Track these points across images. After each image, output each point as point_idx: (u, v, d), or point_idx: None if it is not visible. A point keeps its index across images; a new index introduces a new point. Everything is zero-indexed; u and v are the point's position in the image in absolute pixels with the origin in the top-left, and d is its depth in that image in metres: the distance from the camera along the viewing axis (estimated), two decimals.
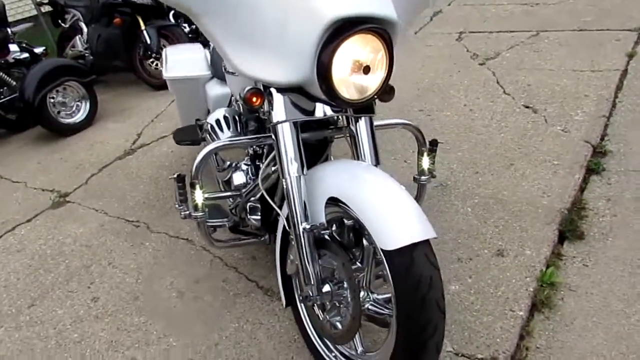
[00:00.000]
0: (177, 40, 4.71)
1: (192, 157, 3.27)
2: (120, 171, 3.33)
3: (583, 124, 2.77)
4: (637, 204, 2.14)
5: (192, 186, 1.59)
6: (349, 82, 1.32)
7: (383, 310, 1.40)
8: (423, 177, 1.78)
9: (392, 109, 3.18)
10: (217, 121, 1.89)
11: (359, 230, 1.48)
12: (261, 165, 1.98)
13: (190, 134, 2.39)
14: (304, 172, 1.41)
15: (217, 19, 1.32)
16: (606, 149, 2.52)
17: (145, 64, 4.80)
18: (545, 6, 4.90)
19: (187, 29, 5.18)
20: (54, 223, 2.85)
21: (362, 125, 1.52)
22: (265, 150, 1.94)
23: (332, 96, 1.32)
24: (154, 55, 4.69)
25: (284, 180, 1.41)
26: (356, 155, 1.56)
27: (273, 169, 1.70)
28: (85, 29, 5.09)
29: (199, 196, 1.60)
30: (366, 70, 1.31)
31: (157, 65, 4.78)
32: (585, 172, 2.39)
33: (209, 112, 2.64)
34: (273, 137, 1.43)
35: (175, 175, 1.65)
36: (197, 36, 5.23)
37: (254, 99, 1.38)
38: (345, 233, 1.52)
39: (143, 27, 4.60)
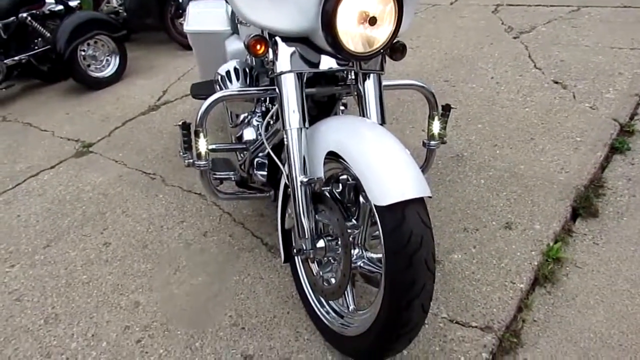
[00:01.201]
0: None
1: (213, 117, 3.31)
2: (143, 126, 3.38)
3: (613, 102, 2.65)
4: None
5: (196, 134, 1.60)
6: (354, 34, 1.29)
7: (375, 268, 1.39)
8: (433, 142, 1.75)
9: (415, 77, 3.11)
10: (227, 72, 1.88)
11: (357, 187, 1.47)
12: (271, 122, 1.98)
13: (207, 89, 2.39)
14: (306, 126, 1.40)
15: None
16: (634, 129, 2.41)
17: (176, 22, 4.82)
18: None
19: None
20: (75, 171, 2.93)
21: (370, 83, 1.49)
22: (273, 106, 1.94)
23: (337, 47, 1.29)
24: (184, 13, 4.69)
25: (284, 132, 1.40)
26: (362, 112, 1.53)
27: (275, 124, 1.70)
28: None
29: (202, 145, 1.60)
30: (372, 21, 1.27)
31: None
32: (608, 150, 2.30)
33: None
34: (276, 88, 1.42)
35: (180, 123, 1.66)
36: None
37: (258, 47, 1.37)
38: (345, 191, 1.52)
39: None
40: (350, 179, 1.47)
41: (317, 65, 1.41)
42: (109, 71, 4.26)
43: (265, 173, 1.88)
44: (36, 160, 3.14)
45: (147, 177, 2.73)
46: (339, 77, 1.60)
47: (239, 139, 2.17)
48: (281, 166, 1.55)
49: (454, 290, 1.69)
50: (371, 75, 1.49)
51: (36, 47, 4.27)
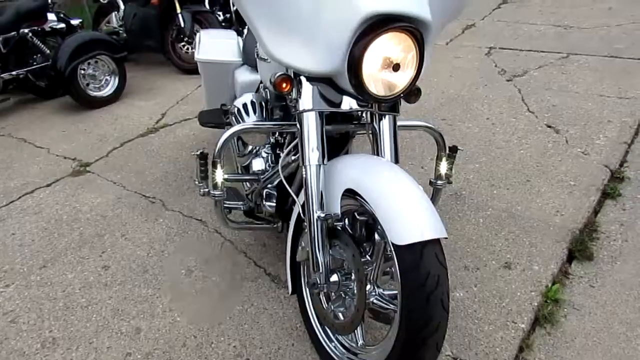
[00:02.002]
0: (210, 26, 4.77)
1: (214, 141, 3.34)
2: (142, 148, 3.39)
3: (604, 148, 2.76)
4: None
5: (214, 165, 1.63)
6: (377, 78, 1.34)
7: (388, 305, 1.42)
8: (440, 182, 1.80)
9: (414, 115, 3.20)
10: (244, 105, 1.93)
11: (371, 224, 1.51)
12: (281, 154, 2.02)
13: (215, 117, 2.43)
14: (324, 162, 1.44)
15: (256, 3, 1.35)
16: (624, 175, 2.51)
17: (176, 46, 4.88)
18: (578, 30, 4.87)
19: (221, 17, 5.25)
20: (72, 190, 2.91)
21: (386, 123, 1.54)
22: (287, 139, 1.98)
23: (360, 90, 1.34)
24: (186, 39, 4.77)
25: (303, 168, 1.44)
26: (376, 151, 1.58)
27: (293, 157, 1.74)
28: (122, 6, 5.19)
29: (219, 175, 1.63)
30: (396, 67, 1.33)
31: (188, 49, 4.85)
32: (601, 195, 2.38)
33: (235, 98, 2.69)
34: (297, 125, 1.46)
35: (198, 152, 1.69)
36: (229, 25, 5.30)
37: (284, 85, 1.42)
38: (357, 227, 1.55)
39: (179, 10, 4.68)
40: (364, 217, 1.51)
41: (338, 104, 1.46)
42: (107, 91, 4.28)
43: (274, 204, 1.91)
44: (31, 177, 3.12)
45: (147, 201, 2.73)
46: (354, 115, 1.66)
47: (246, 168, 2.21)
48: (295, 197, 1.59)
49: (457, 327, 1.73)
50: (387, 115, 1.55)
51: (35, 63, 4.28)
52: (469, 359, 1.62)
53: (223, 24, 5.20)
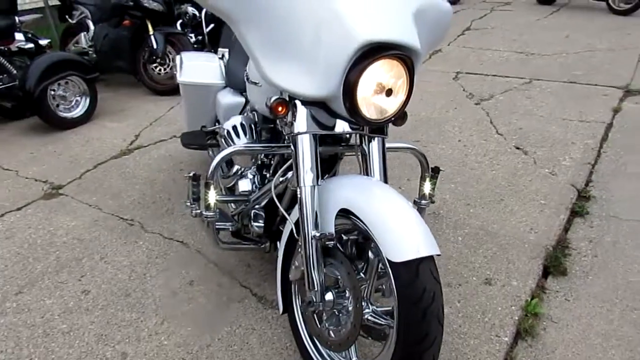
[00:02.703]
0: (183, 48, 4.78)
1: (190, 162, 3.34)
2: (116, 170, 3.35)
3: (570, 169, 2.91)
4: (615, 248, 2.26)
5: (207, 186, 1.64)
6: (370, 102, 1.40)
7: (382, 321, 1.45)
8: (423, 202, 1.87)
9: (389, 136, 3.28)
10: (234, 127, 1.96)
11: (362, 243, 1.56)
12: (267, 174, 2.06)
13: (198, 139, 2.45)
14: (318, 183, 1.48)
15: (254, 28, 1.40)
16: (590, 194, 2.66)
17: (148, 68, 4.86)
18: (539, 56, 5.14)
19: (193, 39, 5.27)
20: (45, 214, 2.84)
21: (375, 145, 1.61)
22: (274, 160, 2.02)
23: (354, 113, 1.40)
24: (158, 60, 4.76)
25: (298, 188, 1.48)
26: (366, 172, 1.63)
27: (281, 178, 1.77)
28: (92, 27, 5.14)
29: (212, 197, 1.65)
30: (388, 93, 1.40)
31: (160, 70, 4.85)
32: (570, 213, 2.51)
33: (216, 120, 2.71)
34: (292, 147, 1.50)
35: (190, 174, 1.70)
36: (202, 46, 5.33)
37: (280, 108, 1.46)
38: (349, 246, 1.60)
39: (151, 32, 4.67)
40: (355, 236, 1.55)
41: (331, 127, 1.52)
42: (78, 112, 4.21)
43: (262, 224, 1.93)
44: (0, 201, 3.03)
45: (125, 223, 2.70)
46: (343, 138, 1.72)
47: (231, 189, 2.22)
48: (287, 216, 1.62)
49: (444, 343, 1.77)
50: (376, 138, 1.61)
51: (1, 83, 4.17)
52: None
53: (195, 45, 5.23)
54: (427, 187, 1.87)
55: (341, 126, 1.52)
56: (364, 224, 1.38)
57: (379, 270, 1.49)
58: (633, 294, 1.98)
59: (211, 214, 1.68)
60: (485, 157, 3.12)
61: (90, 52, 5.16)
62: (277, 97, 1.46)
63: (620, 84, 4.22)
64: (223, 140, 1.96)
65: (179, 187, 3.04)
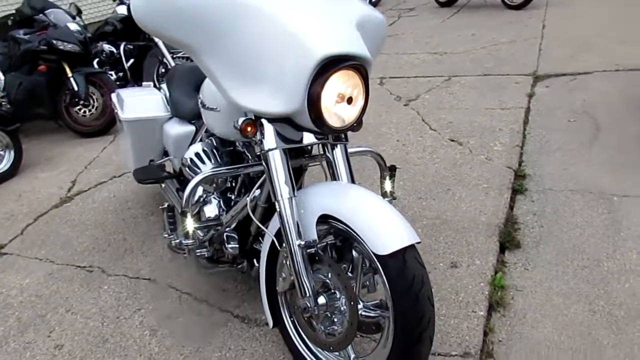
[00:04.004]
0: (106, 87, 4.68)
1: (136, 200, 3.28)
2: (59, 219, 3.21)
3: (502, 153, 3.17)
4: (557, 216, 2.50)
5: (184, 214, 1.66)
6: (332, 112, 1.50)
7: (375, 314, 1.54)
8: (386, 199, 1.98)
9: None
10: (197, 154, 1.98)
11: (341, 245, 1.64)
12: (232, 197, 2.09)
13: (152, 173, 2.43)
14: (295, 194, 1.55)
15: (216, 57, 1.46)
16: (525, 173, 2.91)
17: (71, 111, 4.69)
18: (452, 55, 5.51)
19: (114, 76, 5.16)
20: None
21: (338, 152, 1.71)
22: (236, 182, 2.06)
23: (319, 124, 1.48)
24: (81, 102, 4.61)
25: (276, 202, 1.54)
26: (333, 178, 1.73)
27: (253, 196, 1.82)
28: (1, 77, 4.88)
29: (190, 225, 1.67)
30: (349, 100, 1.50)
31: (85, 112, 4.69)
32: (511, 192, 2.74)
33: (164, 153, 2.70)
34: (264, 164, 1.57)
35: (165, 205, 1.71)
36: (124, 82, 5.23)
37: (249, 129, 1.51)
38: (328, 250, 1.67)
39: (70, 74, 4.53)
40: (334, 239, 1.63)
41: (297, 141, 1.60)
42: (3, 166, 3.97)
43: (236, 246, 1.96)
44: None
45: (84, 271, 2.60)
46: (305, 150, 1.80)
47: (195, 217, 2.23)
48: (267, 231, 1.67)
49: None
50: (338, 145, 1.71)
51: None
52: (445, 352, 1.78)
53: (117, 82, 5.13)
54: (387, 185, 1.99)
55: (307, 138, 1.61)
56: (346, 225, 1.47)
57: (364, 267, 1.58)
58: (580, 254, 2.21)
59: (191, 241, 1.69)
60: (425, 153, 3.31)
61: (3, 102, 4.89)
62: (245, 118, 1.51)
63: (528, 72, 4.63)
64: (187, 169, 1.98)
65: (131, 226, 2.97)
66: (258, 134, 1.55)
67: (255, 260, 1.99)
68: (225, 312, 2.15)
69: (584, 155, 3.05)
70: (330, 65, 1.42)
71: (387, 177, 1.99)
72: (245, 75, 1.46)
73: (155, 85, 5.00)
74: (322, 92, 1.43)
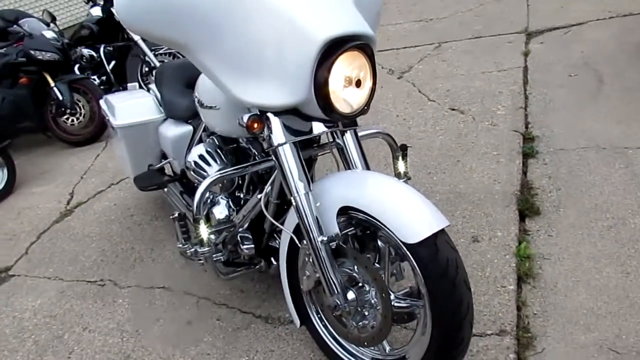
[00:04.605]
0: (90, 93, 4.56)
1: (139, 206, 3.19)
2: (63, 234, 3.12)
3: (506, 117, 3.09)
4: (573, 177, 2.43)
5: (197, 221, 1.58)
6: (341, 97, 1.41)
7: (407, 304, 1.47)
8: (401, 180, 1.91)
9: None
10: (201, 156, 1.89)
11: (362, 235, 1.57)
12: (241, 195, 2.01)
13: (154, 179, 2.34)
14: (311, 189, 1.47)
15: (213, 52, 1.37)
16: (533, 135, 2.84)
17: (59, 121, 4.56)
18: (438, 21, 5.38)
19: (97, 81, 5.02)
20: (2, 300, 2.60)
21: (349, 138, 1.63)
22: (244, 181, 1.97)
23: (329, 111, 1.40)
24: (68, 111, 4.48)
25: (292, 199, 1.46)
26: (346, 165, 1.66)
27: (265, 193, 1.74)
28: None
29: (204, 231, 1.59)
30: (358, 83, 1.41)
31: (72, 120, 4.57)
32: (522, 157, 2.66)
33: (162, 156, 2.60)
34: (275, 160, 1.48)
35: (176, 215, 1.63)
36: (108, 86, 5.09)
37: (255, 125, 1.43)
38: (350, 242, 1.60)
39: (52, 84, 4.39)
40: (354, 229, 1.56)
41: (306, 132, 1.51)
42: None
43: (252, 245, 1.88)
44: None
45: (95, 286, 2.53)
46: (314, 140, 1.72)
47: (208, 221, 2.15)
48: (285, 229, 1.59)
49: None
50: (348, 130, 1.63)
51: None
52: (481, 332, 1.72)
53: (101, 87, 4.99)
54: (401, 166, 1.92)
55: (316, 128, 1.53)
56: (369, 215, 1.40)
57: (391, 256, 1.51)
58: (604, 214, 2.15)
59: (207, 249, 1.62)
60: (427, 126, 3.23)
61: None
62: (251, 114, 1.43)
63: (519, 29, 4.53)
64: (192, 173, 1.89)
65: (137, 233, 2.89)
66: (265, 129, 1.46)
67: (272, 258, 1.93)
68: (246, 313, 2.09)
69: (591, 110, 2.98)
70: (334, 48, 1.33)
71: (400, 158, 1.91)
72: (245, 69, 1.38)
73: (140, 86, 4.92)
74: (329, 78, 1.35)
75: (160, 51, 4.78)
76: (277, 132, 1.46)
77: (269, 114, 1.45)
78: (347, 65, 1.38)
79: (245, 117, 1.42)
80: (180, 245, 1.68)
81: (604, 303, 1.74)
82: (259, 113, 1.44)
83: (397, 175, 1.92)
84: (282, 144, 1.46)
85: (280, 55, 1.34)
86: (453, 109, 3.36)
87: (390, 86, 3.99)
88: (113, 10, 4.63)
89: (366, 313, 1.52)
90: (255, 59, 1.36)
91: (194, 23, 1.32)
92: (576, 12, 4.60)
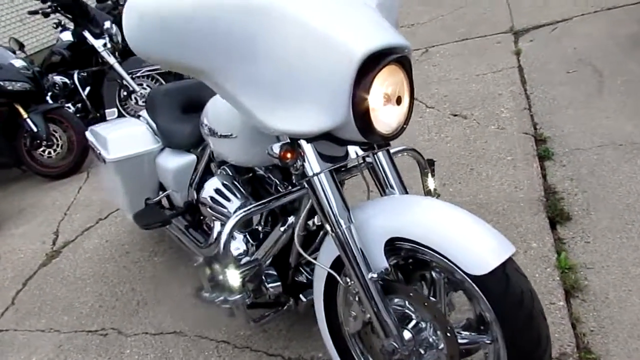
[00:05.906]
0: (67, 122, 4.33)
1: (133, 241, 2.98)
2: (52, 279, 2.88)
3: (512, 119, 2.99)
4: (595, 178, 2.33)
5: (226, 266, 1.40)
6: (381, 116, 1.27)
7: (472, 339, 1.33)
8: (433, 197, 1.78)
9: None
10: (217, 191, 1.71)
11: (413, 266, 1.42)
12: (259, 229, 1.84)
13: (155, 216, 2.15)
14: (352, 220, 1.32)
15: (236, 77, 1.21)
16: (544, 136, 2.74)
17: (34, 154, 4.30)
18: (420, 25, 5.31)
19: (72, 109, 4.77)
20: None
21: (382, 158, 1.51)
22: (264, 213, 1.80)
23: (367, 133, 1.26)
24: (44, 143, 4.22)
25: (333, 234, 1.31)
26: (381, 189, 1.52)
27: (290, 224, 1.59)
28: None
29: (234, 277, 1.41)
30: (399, 100, 1.28)
31: (49, 153, 4.31)
32: (538, 160, 2.56)
33: (160, 189, 2.41)
34: (310, 191, 1.33)
35: (200, 261, 1.45)
36: (85, 113, 4.84)
37: (289, 155, 1.27)
38: (393, 273, 1.45)
39: (25, 115, 4.14)
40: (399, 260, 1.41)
41: (341, 158, 1.37)
42: None
43: (279, 284, 1.72)
44: None
45: (97, 336, 2.31)
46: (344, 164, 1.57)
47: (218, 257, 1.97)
48: (322, 266, 1.44)
49: None
50: (381, 151, 1.49)
51: None
52: None
53: (78, 115, 4.74)
54: (431, 183, 1.79)
55: (353, 152, 1.39)
56: (424, 246, 1.25)
57: (446, 287, 1.37)
58: (638, 214, 2.05)
59: (240, 296, 1.44)
60: (432, 134, 3.11)
61: None
62: (282, 142, 1.27)
63: (505, 29, 4.47)
64: (209, 209, 1.71)
65: (136, 272, 2.68)
66: (298, 158, 1.31)
67: (301, 295, 1.76)
68: (273, 356, 1.91)
69: (597, 106, 2.90)
70: (370, 64, 1.18)
71: (429, 174, 1.79)
72: (274, 93, 1.22)
73: (119, 112, 4.69)
74: (369, 96, 1.20)
75: (138, 74, 4.57)
76: (312, 161, 1.30)
77: (302, 141, 1.29)
78: (385, 80, 1.24)
79: (277, 147, 1.26)
80: (207, 295, 1.49)
81: None
82: (289, 141, 1.29)
83: (427, 192, 1.79)
84: (317, 174, 1.30)
85: (313, 76, 1.19)
86: (455, 115, 3.25)
87: None
88: (85, 34, 4.40)
89: (422, 352, 1.36)
90: (285, 81, 1.20)
91: (216, 48, 1.16)
92: (559, 8, 4.57)
